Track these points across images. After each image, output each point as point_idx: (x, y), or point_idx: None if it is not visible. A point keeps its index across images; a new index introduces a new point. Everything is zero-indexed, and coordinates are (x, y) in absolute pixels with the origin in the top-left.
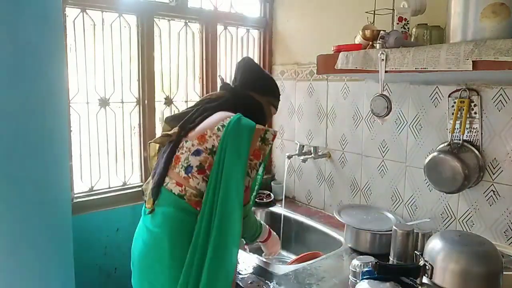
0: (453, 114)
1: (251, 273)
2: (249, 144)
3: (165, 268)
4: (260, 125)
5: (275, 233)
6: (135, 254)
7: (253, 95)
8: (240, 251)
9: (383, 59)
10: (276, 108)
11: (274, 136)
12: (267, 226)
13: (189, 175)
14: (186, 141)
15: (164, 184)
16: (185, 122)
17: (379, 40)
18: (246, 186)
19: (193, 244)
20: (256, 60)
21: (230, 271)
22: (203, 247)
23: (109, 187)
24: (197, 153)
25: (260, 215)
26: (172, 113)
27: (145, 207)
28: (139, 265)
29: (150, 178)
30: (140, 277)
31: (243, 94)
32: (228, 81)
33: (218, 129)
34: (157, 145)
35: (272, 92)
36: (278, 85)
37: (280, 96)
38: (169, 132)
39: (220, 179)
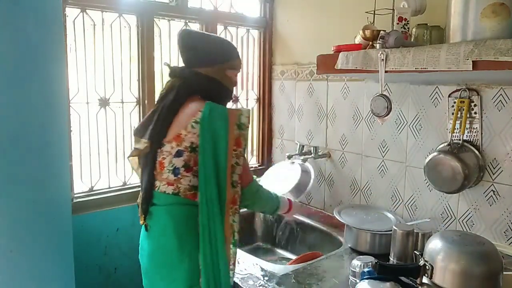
0: (453, 114)
1: (251, 273)
2: (227, 131)
3: (176, 262)
4: (231, 109)
5: (296, 202)
6: (144, 257)
7: (201, 71)
8: (241, 252)
9: (383, 59)
10: (237, 68)
11: (249, 118)
12: (286, 198)
13: (179, 176)
14: (164, 145)
15: (156, 189)
16: (152, 132)
17: (379, 40)
18: (239, 174)
19: (201, 237)
20: (256, 60)
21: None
22: (211, 237)
23: (109, 187)
24: (178, 154)
25: (260, 214)
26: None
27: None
28: (150, 266)
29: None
30: (154, 277)
31: (192, 75)
32: None
33: (192, 126)
34: (136, 158)
35: (222, 56)
36: (278, 85)
37: (237, 51)
38: (139, 147)
39: (208, 173)
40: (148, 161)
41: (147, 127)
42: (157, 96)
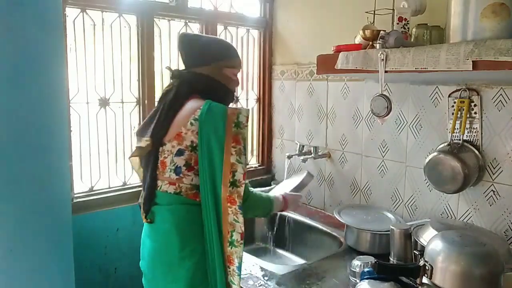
0: (453, 114)
1: (251, 273)
2: (224, 129)
3: (177, 261)
4: (231, 108)
5: (291, 197)
6: (145, 255)
7: (197, 70)
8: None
9: (383, 59)
10: (236, 67)
11: (247, 117)
12: (279, 197)
13: (180, 175)
14: (165, 144)
15: (158, 189)
16: (154, 130)
17: (379, 40)
18: (243, 173)
19: (207, 236)
20: (256, 60)
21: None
22: (209, 236)
23: (109, 187)
24: (180, 153)
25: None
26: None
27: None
28: (151, 264)
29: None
30: (154, 276)
31: (190, 75)
32: None
33: (191, 123)
34: (137, 158)
35: (217, 54)
36: (278, 85)
37: (236, 51)
38: (141, 145)
39: (205, 171)
40: (150, 160)
41: (149, 127)
42: (157, 96)
